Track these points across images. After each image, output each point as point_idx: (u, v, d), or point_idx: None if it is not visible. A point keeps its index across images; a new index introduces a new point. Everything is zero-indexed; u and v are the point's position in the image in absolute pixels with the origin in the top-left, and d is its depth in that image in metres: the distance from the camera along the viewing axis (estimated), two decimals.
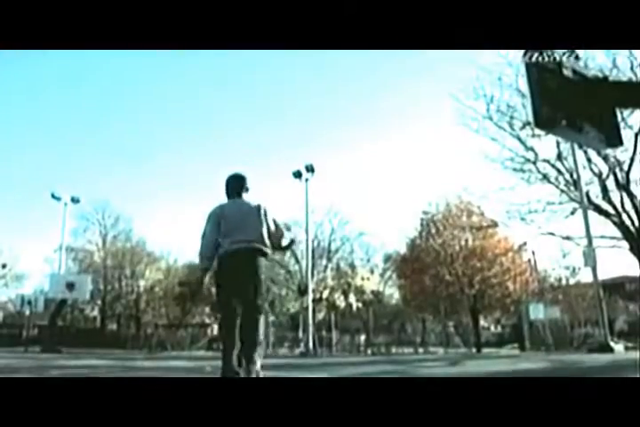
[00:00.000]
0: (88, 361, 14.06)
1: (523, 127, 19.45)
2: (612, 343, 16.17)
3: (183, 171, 77.42)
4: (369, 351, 29.71)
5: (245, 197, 5.04)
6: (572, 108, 6.53)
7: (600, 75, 7.93)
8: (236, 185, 5.06)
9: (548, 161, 20.47)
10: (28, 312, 31.73)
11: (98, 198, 46.40)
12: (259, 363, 4.52)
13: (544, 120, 6.53)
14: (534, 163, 20.88)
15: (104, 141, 71.94)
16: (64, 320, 38.42)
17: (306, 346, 26.64)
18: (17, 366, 11.04)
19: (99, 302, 45.98)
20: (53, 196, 30.06)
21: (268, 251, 4.78)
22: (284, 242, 5.19)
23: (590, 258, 16.85)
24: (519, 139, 20.34)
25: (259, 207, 4.89)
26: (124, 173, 73.55)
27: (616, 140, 7.51)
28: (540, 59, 5.93)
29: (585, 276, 25.05)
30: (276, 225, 5.02)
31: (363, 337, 37.29)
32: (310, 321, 27.48)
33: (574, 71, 6.70)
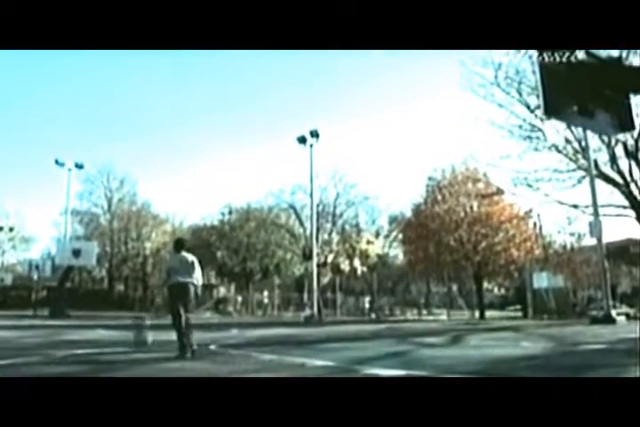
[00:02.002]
0: (95, 333, 14.25)
1: (532, 111, 19.05)
2: (613, 314, 16.30)
3: (188, 134, 77.11)
4: (372, 315, 30.05)
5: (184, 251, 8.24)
6: (583, 93, 6.31)
7: (615, 55, 7.63)
8: (178, 246, 8.36)
9: (556, 129, 20.11)
10: (35, 277, 32.09)
11: (102, 162, 46.48)
12: (192, 336, 7.92)
13: (554, 109, 6.31)
14: (542, 130, 20.51)
15: (108, 106, 71.20)
16: (72, 282, 38.94)
17: (311, 310, 26.94)
18: (23, 342, 11.18)
19: (106, 264, 46.47)
20: (57, 162, 29.83)
21: (195, 282, 7.92)
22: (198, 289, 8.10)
23: (596, 229, 16.73)
24: (527, 106, 19.93)
25: (193, 260, 8.03)
26: (127, 137, 73.37)
27: (628, 124, 7.30)
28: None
29: (590, 240, 24.94)
30: (201, 269, 8.19)
31: (367, 299, 37.69)
32: (315, 286, 27.68)
33: (587, 52, 6.43)
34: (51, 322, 20.88)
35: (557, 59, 5.74)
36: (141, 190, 49.14)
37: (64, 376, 5.56)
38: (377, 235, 44.63)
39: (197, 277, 7.95)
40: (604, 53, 6.49)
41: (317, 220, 33.31)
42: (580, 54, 6.09)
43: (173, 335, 8.08)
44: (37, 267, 30.64)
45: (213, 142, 76.75)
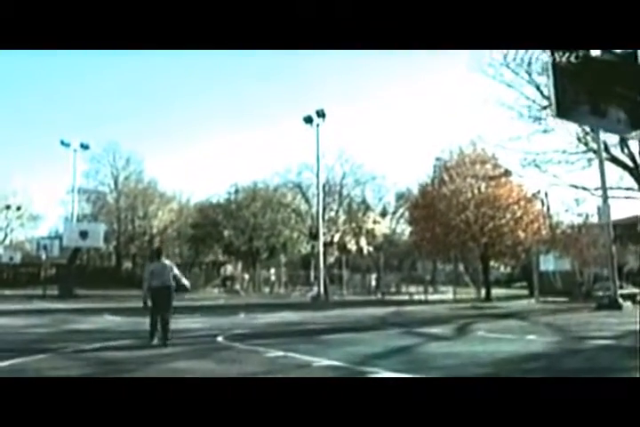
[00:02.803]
0: (102, 319, 14.41)
1: (544, 109, 18.72)
2: (620, 300, 16.33)
3: (194, 112, 76.78)
4: (379, 295, 30.20)
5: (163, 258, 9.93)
6: (596, 91, 6.15)
7: (629, 51, 7.40)
8: (157, 254, 10.22)
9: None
10: (44, 257, 32.35)
11: (108, 140, 46.48)
12: (169, 331, 9.12)
13: (566, 109, 6.15)
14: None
15: (114, 83, 70.67)
16: (80, 260, 39.27)
17: (317, 291, 27.21)
18: (30, 332, 11.30)
19: (113, 242, 46.71)
20: (63, 142, 29.79)
21: (172, 285, 9.36)
22: (183, 282, 10.00)
23: (605, 213, 16.62)
24: (537, 87, 19.62)
25: (171, 265, 9.60)
26: (133, 114, 73.04)
27: None
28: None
29: (596, 218, 24.72)
30: (178, 273, 9.68)
31: (374, 276, 37.86)
32: (321, 266, 27.88)
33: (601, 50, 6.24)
34: (59, 305, 21.11)
35: (570, 57, 5.57)
36: (148, 168, 49.31)
37: (67, 377, 5.61)
38: (384, 213, 44.69)
39: (176, 278, 9.55)
40: (617, 50, 6.32)
41: (324, 199, 33.39)
42: (594, 52, 5.91)
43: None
44: (45, 247, 30.82)
45: (219, 121, 76.38)
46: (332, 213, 38.05)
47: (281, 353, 7.73)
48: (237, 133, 77.71)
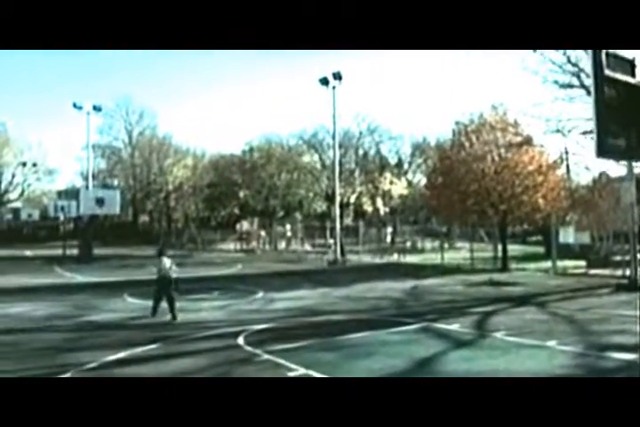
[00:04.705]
0: (123, 303, 14.56)
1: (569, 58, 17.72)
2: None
3: (206, 66, 75.38)
4: (395, 255, 30.24)
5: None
6: (635, 121, 5.73)
7: None
8: (160, 253, 12.82)
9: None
10: (62, 218, 32.67)
11: (120, 94, 45.95)
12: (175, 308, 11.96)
13: (607, 149, 5.76)
14: (578, 76, 19.34)
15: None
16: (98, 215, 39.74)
17: (334, 255, 27.39)
18: (41, 328, 11.41)
19: (128, 196, 46.78)
20: (75, 105, 29.32)
21: (172, 275, 12.28)
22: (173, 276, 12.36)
23: (629, 192, 16.19)
24: (563, 52, 18.67)
25: (171, 263, 12.39)
26: (144, 66, 71.71)
27: None
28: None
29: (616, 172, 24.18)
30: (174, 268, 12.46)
31: (389, 230, 37.96)
32: (338, 230, 27.91)
33: None
34: (78, 277, 21.39)
35: (615, 90, 5.26)
36: (162, 121, 49.00)
37: (68, 377, 5.66)
38: (399, 164, 44.29)
39: (173, 270, 12.38)
40: None
41: (340, 161, 33.03)
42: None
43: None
44: (63, 209, 31.01)
45: (233, 70, 74.95)
46: (349, 173, 37.71)
47: (302, 371, 7.71)
48: (251, 87, 76.45)
